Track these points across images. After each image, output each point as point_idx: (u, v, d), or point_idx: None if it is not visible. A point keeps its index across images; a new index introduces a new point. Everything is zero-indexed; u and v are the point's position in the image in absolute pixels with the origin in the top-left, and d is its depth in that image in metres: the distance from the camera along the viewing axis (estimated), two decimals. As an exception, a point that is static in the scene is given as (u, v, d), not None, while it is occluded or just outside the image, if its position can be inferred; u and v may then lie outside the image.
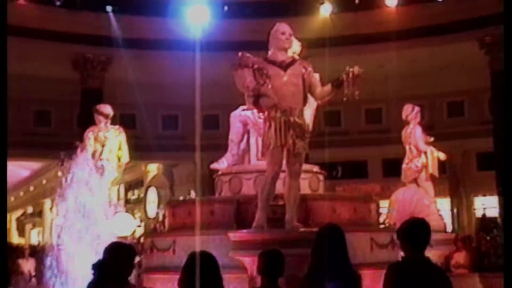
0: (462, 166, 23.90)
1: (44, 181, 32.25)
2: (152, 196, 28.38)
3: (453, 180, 23.72)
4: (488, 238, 16.51)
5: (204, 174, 19.27)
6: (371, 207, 9.24)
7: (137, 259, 9.16)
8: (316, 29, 18.62)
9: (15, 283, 8.39)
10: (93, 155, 10.28)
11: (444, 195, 21.41)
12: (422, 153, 12.05)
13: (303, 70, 7.70)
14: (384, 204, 12.08)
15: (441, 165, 12.64)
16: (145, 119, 21.70)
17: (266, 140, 7.47)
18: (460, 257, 12.94)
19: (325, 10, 20.16)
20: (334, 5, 20.12)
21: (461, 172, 24.10)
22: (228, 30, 19.80)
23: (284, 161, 7.48)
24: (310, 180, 9.12)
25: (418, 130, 12.09)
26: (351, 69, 7.21)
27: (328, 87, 7.64)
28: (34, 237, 37.76)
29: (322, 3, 20.09)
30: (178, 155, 23.75)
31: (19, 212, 40.55)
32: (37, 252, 15.55)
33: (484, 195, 23.81)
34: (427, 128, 12.54)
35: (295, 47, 9.51)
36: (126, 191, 30.71)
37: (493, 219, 21.32)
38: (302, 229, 7.32)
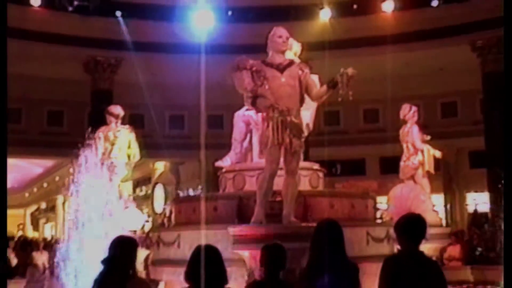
0: (455, 164, 23.90)
1: (57, 178, 32.29)
2: (159, 192, 28.36)
3: (446, 177, 23.71)
4: (479, 232, 16.51)
5: (209, 172, 19.29)
6: (368, 203, 9.21)
7: (146, 252, 9.21)
8: (316, 33, 18.63)
9: (30, 274, 8.41)
10: (103, 153, 10.29)
11: (438, 191, 21.35)
12: (419, 151, 12.05)
13: (300, 72, 7.70)
14: (381, 200, 12.09)
15: (436, 162, 12.64)
16: (153, 119, 21.73)
17: (264, 139, 7.47)
18: (453, 251, 12.94)
19: (325, 15, 20.15)
20: (333, 10, 20.11)
21: (454, 169, 24.11)
22: (232, 34, 19.80)
23: (282, 159, 7.49)
24: (310, 177, 9.11)
25: (415, 129, 12.09)
26: (345, 71, 7.21)
27: (323, 88, 7.65)
28: (48, 231, 37.82)
29: (321, 8, 20.08)
30: (184, 153, 23.77)
31: (33, 208, 40.61)
32: (51, 245, 15.59)
33: (476, 192, 23.80)
34: (422, 127, 12.53)
35: (296, 48, 9.54)
36: (134, 187, 30.68)
37: (484, 214, 21.34)
38: (299, 224, 7.32)
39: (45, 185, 36.48)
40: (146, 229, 12.72)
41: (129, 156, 11.13)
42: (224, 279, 4.38)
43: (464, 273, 11.42)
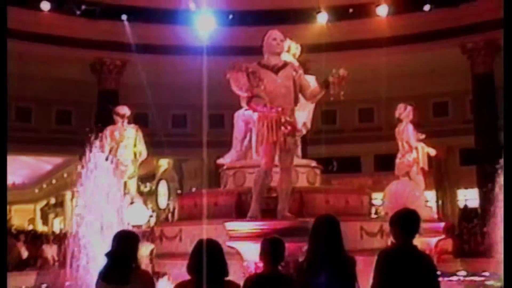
0: (446, 162, 23.89)
1: (65, 175, 32.28)
2: (163, 188, 28.40)
3: (438, 174, 23.68)
4: (469, 226, 16.55)
5: (210, 169, 19.31)
6: (363, 199, 9.20)
7: (151, 246, 9.22)
8: (313, 36, 18.61)
9: (40, 267, 8.43)
10: (110, 151, 10.31)
11: (430, 187, 21.38)
12: (413, 149, 12.04)
13: (294, 73, 7.72)
14: (376, 196, 12.08)
15: (428, 160, 12.65)
16: (157, 118, 21.71)
17: (259, 137, 7.46)
18: (444, 244, 12.94)
19: (322, 19, 20.14)
20: (330, 14, 20.10)
21: (445, 167, 24.11)
22: (233, 37, 19.82)
23: (277, 157, 7.48)
24: (307, 174, 9.13)
25: (410, 128, 12.08)
26: (337, 71, 7.21)
27: (317, 88, 7.67)
28: (57, 225, 37.80)
29: (318, 12, 20.07)
30: (187, 151, 23.75)
31: (43, 203, 40.59)
32: (60, 239, 15.61)
33: (466, 188, 23.82)
34: (415, 126, 12.52)
35: (295, 49, 9.56)
36: (139, 184, 30.70)
37: (473, 210, 21.36)
38: (293, 218, 7.31)
39: (54, 181, 36.47)
40: (151, 224, 12.73)
41: (135, 154, 11.17)
42: (225, 272, 4.38)
43: (455, 265, 11.44)
